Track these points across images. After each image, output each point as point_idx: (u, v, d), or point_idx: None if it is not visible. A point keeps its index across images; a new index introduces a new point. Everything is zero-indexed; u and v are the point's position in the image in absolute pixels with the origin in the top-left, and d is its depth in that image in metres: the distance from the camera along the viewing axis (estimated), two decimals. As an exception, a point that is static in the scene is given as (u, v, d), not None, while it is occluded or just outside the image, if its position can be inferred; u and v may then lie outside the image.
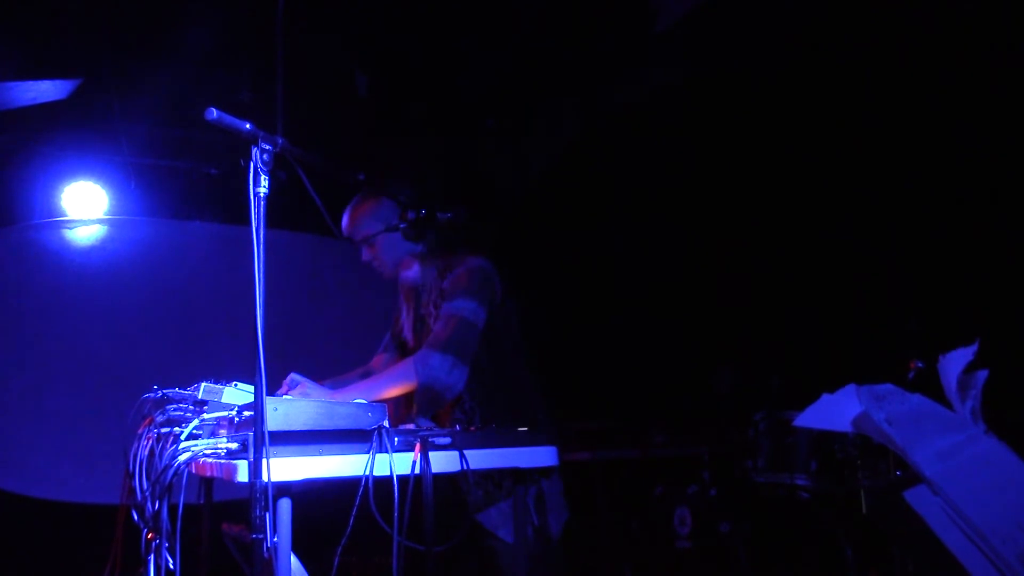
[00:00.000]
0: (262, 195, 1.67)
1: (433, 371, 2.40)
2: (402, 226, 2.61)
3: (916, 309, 3.52)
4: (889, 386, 1.35)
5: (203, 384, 2.02)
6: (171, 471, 1.71)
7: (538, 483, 2.48)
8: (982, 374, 1.35)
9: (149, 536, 1.79)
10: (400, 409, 2.68)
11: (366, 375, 2.77)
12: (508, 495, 2.45)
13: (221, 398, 2.00)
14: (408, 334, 2.82)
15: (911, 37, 3.50)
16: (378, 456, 1.78)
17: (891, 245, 3.83)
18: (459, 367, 2.43)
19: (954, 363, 1.36)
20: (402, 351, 2.88)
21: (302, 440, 1.70)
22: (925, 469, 1.21)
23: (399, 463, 1.80)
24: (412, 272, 2.74)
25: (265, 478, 1.54)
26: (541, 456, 2.11)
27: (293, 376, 2.34)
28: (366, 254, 2.71)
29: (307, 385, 2.32)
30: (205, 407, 1.93)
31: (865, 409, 1.29)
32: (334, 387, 2.43)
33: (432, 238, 2.68)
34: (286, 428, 1.71)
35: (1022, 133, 3.26)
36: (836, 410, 1.36)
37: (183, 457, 1.72)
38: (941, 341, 1.53)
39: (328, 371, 2.63)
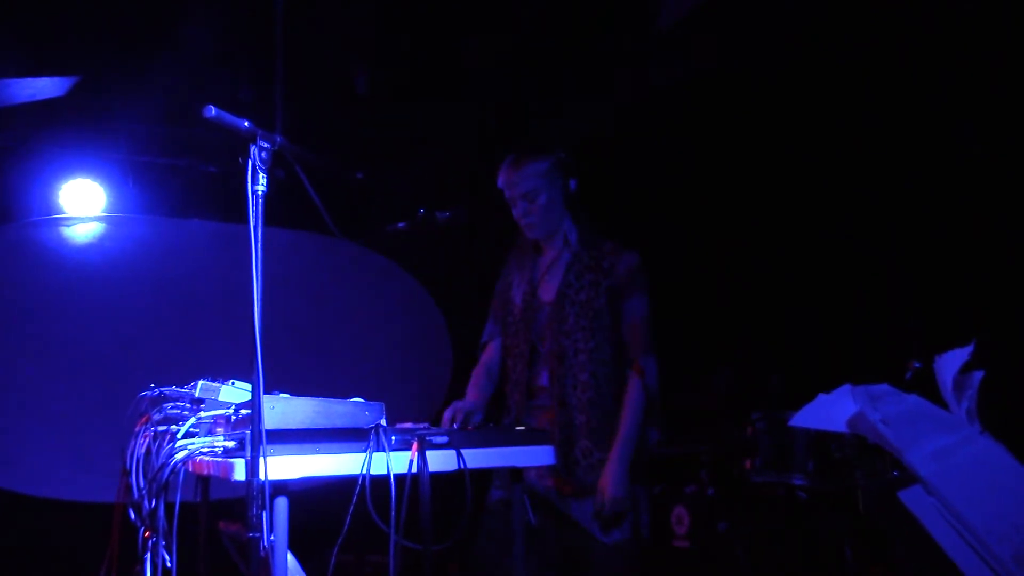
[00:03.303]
0: (260, 193, 1.67)
1: (654, 375, 2.60)
2: (571, 187, 2.74)
3: (915, 309, 3.52)
4: (885, 386, 1.35)
5: (200, 382, 2.02)
6: (168, 469, 1.71)
7: (633, 487, 2.55)
8: (978, 374, 1.35)
9: (146, 534, 1.79)
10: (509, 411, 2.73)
11: (490, 373, 2.83)
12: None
13: (218, 396, 2.01)
14: (518, 296, 2.81)
15: (911, 37, 3.50)
16: (375, 455, 1.78)
17: (891, 245, 3.82)
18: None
19: (950, 363, 1.36)
20: (504, 324, 2.87)
21: (299, 439, 1.70)
22: (920, 469, 1.21)
23: (396, 462, 1.80)
24: (556, 238, 2.78)
25: (262, 476, 1.54)
26: (538, 455, 2.11)
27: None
28: (521, 209, 2.73)
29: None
30: (202, 405, 1.93)
31: (860, 409, 1.29)
32: (479, 403, 2.65)
33: (579, 213, 2.79)
34: (283, 426, 1.71)
35: (1022, 133, 3.25)
36: (832, 410, 1.36)
37: (180, 455, 1.73)
38: (940, 341, 1.53)
39: (325, 369, 2.64)
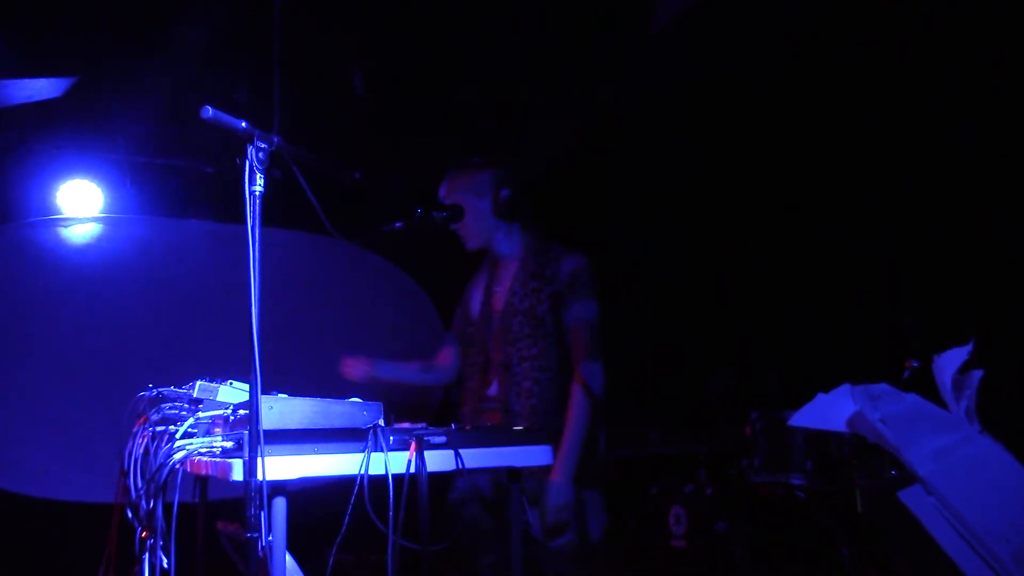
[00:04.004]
0: (257, 194, 1.67)
1: (598, 380, 2.55)
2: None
3: (914, 309, 3.52)
4: (884, 386, 1.35)
5: (198, 382, 2.02)
6: (166, 469, 1.71)
7: (579, 492, 2.53)
8: (976, 374, 1.35)
9: (144, 535, 1.79)
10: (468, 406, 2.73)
11: (427, 370, 2.89)
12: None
13: (216, 396, 2.00)
14: (476, 307, 2.83)
15: (911, 37, 3.50)
16: (373, 455, 1.77)
17: (890, 245, 3.82)
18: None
19: (949, 363, 1.36)
20: (462, 334, 2.89)
21: (297, 439, 1.70)
22: (919, 469, 1.21)
23: (394, 462, 1.80)
24: (499, 247, 2.78)
25: (260, 477, 1.54)
26: (536, 455, 2.11)
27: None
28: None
29: None
30: (200, 405, 1.93)
31: (860, 409, 1.29)
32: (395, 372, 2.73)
33: (526, 220, 2.76)
34: (281, 427, 1.71)
35: (1022, 133, 3.25)
36: (831, 410, 1.36)
37: (178, 456, 1.72)
38: (939, 341, 1.53)
39: (324, 370, 2.65)
